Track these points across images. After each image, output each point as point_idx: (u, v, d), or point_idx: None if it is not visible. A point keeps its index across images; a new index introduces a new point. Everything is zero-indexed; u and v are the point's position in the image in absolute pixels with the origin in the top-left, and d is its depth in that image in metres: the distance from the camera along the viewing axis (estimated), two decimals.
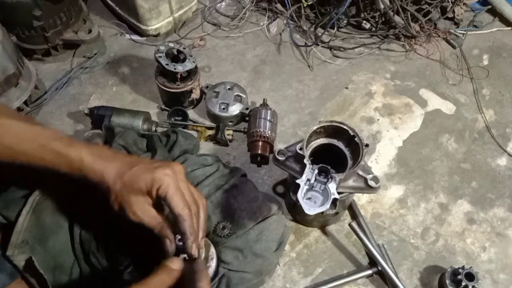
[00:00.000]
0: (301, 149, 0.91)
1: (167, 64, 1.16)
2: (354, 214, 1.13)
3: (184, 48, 1.20)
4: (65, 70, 1.38)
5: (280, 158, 0.96)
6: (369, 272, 1.05)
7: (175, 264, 0.68)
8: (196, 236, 0.72)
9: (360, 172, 0.93)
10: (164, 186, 0.71)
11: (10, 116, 0.77)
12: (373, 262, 1.05)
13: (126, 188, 0.71)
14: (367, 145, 0.92)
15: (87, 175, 0.73)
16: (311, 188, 0.88)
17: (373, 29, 1.50)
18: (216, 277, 0.93)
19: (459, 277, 0.98)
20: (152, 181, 0.71)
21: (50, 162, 0.74)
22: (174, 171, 0.73)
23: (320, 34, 1.47)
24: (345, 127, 0.94)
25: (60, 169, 0.74)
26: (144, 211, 0.72)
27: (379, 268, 1.03)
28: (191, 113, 1.30)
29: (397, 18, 1.43)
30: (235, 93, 1.26)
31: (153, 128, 1.21)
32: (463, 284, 0.97)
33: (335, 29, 1.48)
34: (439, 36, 1.51)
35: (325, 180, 0.87)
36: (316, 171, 0.88)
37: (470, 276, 0.98)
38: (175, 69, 1.17)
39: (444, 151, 1.27)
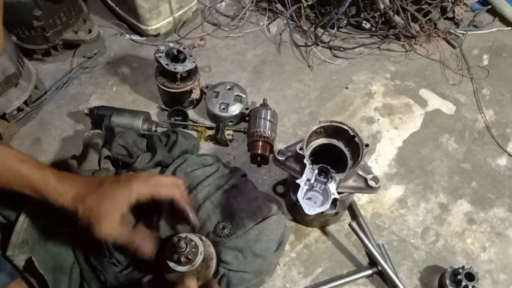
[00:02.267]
0: (301, 149, 0.91)
1: (167, 64, 1.16)
2: (354, 214, 1.13)
3: (184, 48, 1.20)
4: (65, 70, 1.38)
5: (280, 158, 0.96)
6: (369, 272, 1.05)
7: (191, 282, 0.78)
8: (192, 206, 0.85)
9: (360, 172, 0.93)
10: (145, 192, 0.78)
11: None
12: (373, 262, 1.05)
13: (94, 214, 0.75)
14: (367, 145, 0.92)
15: (52, 197, 0.76)
16: (311, 188, 0.88)
17: (373, 29, 1.50)
18: (216, 277, 0.93)
19: (459, 277, 0.98)
20: (129, 195, 0.76)
21: (15, 184, 0.77)
22: (143, 178, 0.80)
23: (320, 34, 1.47)
24: (345, 127, 0.94)
25: (25, 192, 0.77)
26: (117, 228, 0.76)
27: (379, 268, 1.03)
28: (191, 113, 1.30)
29: (397, 18, 1.43)
30: (235, 93, 1.26)
31: (153, 128, 1.21)
32: (463, 284, 0.97)
33: (335, 29, 1.48)
34: (439, 36, 1.51)
35: (325, 180, 0.87)
36: (316, 171, 0.88)
37: (470, 276, 0.98)
38: (175, 69, 1.17)
39: (444, 151, 1.27)
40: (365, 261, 1.08)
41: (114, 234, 0.75)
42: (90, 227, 0.74)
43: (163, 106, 1.30)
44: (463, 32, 1.53)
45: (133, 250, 0.77)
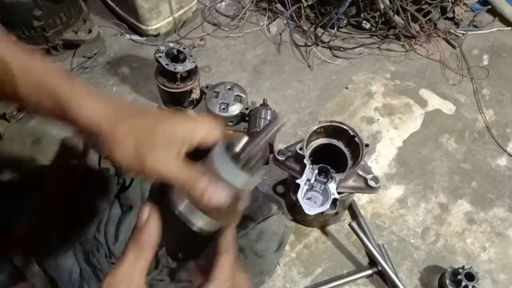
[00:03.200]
0: (301, 149, 0.91)
1: (167, 64, 1.16)
2: (354, 214, 1.13)
3: (184, 48, 1.20)
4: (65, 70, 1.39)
5: (280, 158, 0.96)
6: (369, 272, 1.05)
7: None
8: None
9: (360, 172, 0.93)
10: (214, 133, 0.53)
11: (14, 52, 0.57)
12: (373, 262, 1.05)
13: (143, 136, 0.52)
14: (367, 145, 0.92)
15: (77, 115, 0.53)
16: (311, 188, 0.88)
17: (373, 29, 1.50)
18: None
19: (459, 277, 0.98)
20: (194, 132, 0.53)
21: (37, 97, 0.55)
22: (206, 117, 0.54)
23: (320, 34, 1.47)
24: (345, 127, 0.94)
25: (42, 105, 0.55)
26: (172, 163, 0.52)
27: (379, 268, 1.03)
28: (191, 113, 1.30)
29: (397, 18, 1.43)
30: (235, 93, 1.26)
31: None
32: (463, 284, 0.97)
33: (335, 29, 1.48)
34: (439, 36, 1.51)
35: (325, 180, 0.88)
36: (316, 171, 0.88)
37: (470, 276, 0.98)
38: (175, 69, 1.17)
39: (444, 151, 1.27)
40: (365, 261, 1.08)
41: (173, 169, 0.51)
42: (137, 160, 0.51)
43: (163, 106, 1.30)
44: (463, 32, 1.53)
45: (197, 196, 0.49)
